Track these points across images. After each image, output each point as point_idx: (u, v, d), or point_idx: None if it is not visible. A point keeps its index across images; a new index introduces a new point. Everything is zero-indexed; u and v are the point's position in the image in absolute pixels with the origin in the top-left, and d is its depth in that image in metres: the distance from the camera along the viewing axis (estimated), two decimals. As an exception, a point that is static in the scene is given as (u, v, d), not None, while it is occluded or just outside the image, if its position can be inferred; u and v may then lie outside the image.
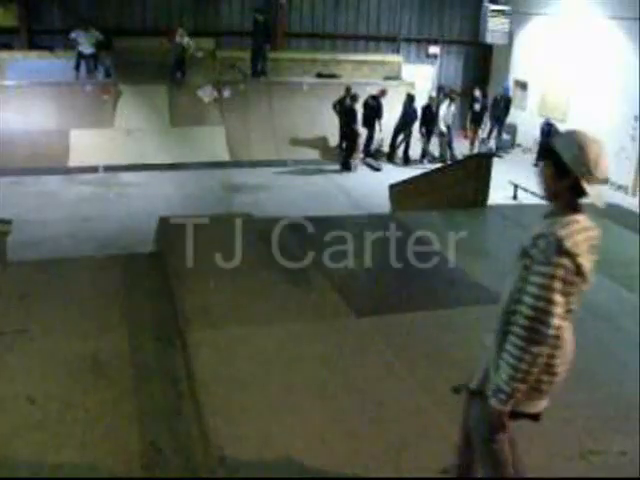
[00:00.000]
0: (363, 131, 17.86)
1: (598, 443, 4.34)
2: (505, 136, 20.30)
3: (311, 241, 7.81)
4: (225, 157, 17.35)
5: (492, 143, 20.07)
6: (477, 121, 19.83)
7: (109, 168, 15.89)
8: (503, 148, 20.04)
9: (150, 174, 15.63)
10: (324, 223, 8.90)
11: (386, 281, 6.89)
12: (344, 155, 17.47)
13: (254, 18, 18.56)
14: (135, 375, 5.00)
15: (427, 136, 18.47)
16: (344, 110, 17.57)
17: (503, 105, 19.78)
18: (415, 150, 18.42)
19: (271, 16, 19.27)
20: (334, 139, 18.22)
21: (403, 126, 18.24)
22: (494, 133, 20.12)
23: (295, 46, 20.63)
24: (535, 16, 20.15)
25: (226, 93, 18.54)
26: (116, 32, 18.35)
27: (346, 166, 17.24)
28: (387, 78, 20.05)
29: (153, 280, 6.73)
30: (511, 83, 20.92)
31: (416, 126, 18.35)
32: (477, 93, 19.88)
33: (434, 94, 19.73)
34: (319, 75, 19.81)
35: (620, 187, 16.79)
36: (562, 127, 18.56)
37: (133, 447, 4.23)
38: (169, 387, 4.89)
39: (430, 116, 18.45)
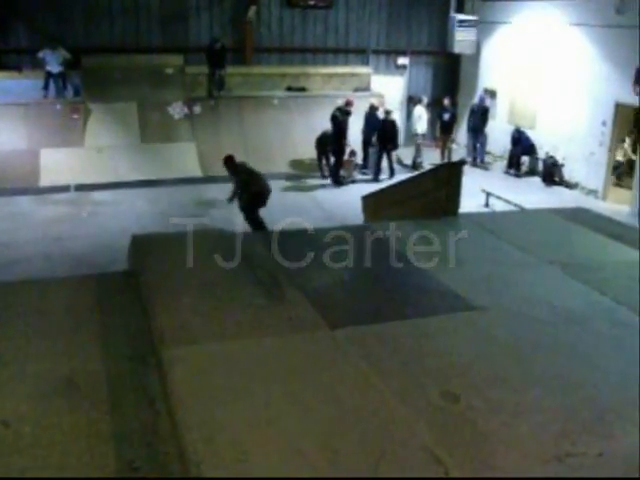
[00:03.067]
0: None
1: (574, 446, 4.37)
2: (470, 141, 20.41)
3: (285, 254, 7.82)
4: (197, 173, 17.35)
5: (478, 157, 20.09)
6: (446, 131, 19.96)
7: (81, 187, 15.81)
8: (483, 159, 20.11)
9: (122, 192, 15.57)
10: (298, 236, 8.91)
11: (360, 292, 6.91)
12: (333, 171, 17.45)
13: (210, 45, 18.47)
14: (110, 395, 4.96)
15: (381, 152, 18.17)
16: (337, 124, 17.57)
17: (480, 115, 19.86)
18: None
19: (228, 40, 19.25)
20: (306, 152, 18.24)
21: (368, 137, 18.25)
22: (477, 145, 20.09)
23: (265, 61, 20.69)
24: (501, 25, 20.39)
25: (196, 109, 18.55)
26: (84, 50, 18.30)
27: (337, 181, 17.27)
28: (357, 90, 20.17)
29: (127, 298, 6.69)
30: (480, 92, 21.11)
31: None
32: (446, 102, 20.04)
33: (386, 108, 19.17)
34: (289, 89, 19.91)
35: (590, 191, 16.99)
36: (532, 135, 18.83)
37: (111, 467, 4.19)
38: (145, 405, 4.85)
39: (389, 131, 18.15)
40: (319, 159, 17.83)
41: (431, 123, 20.42)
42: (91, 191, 15.53)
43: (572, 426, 4.60)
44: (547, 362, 5.51)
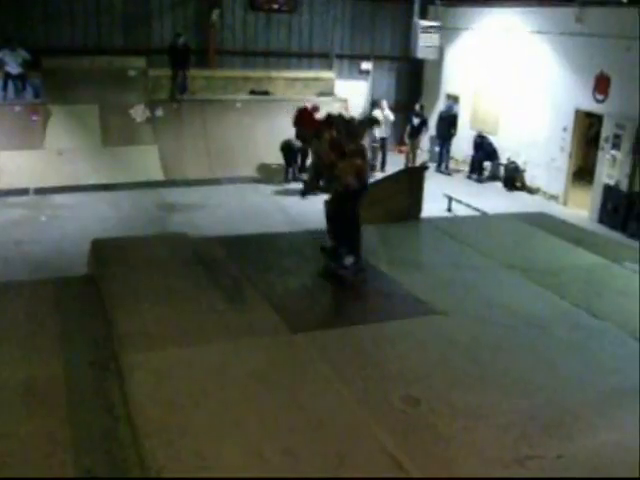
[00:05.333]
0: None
1: (534, 448, 4.42)
2: (436, 148, 20.50)
3: (247, 258, 7.80)
4: (159, 176, 17.17)
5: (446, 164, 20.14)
6: (415, 136, 20.02)
7: (40, 190, 15.57)
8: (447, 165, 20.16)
9: (83, 195, 15.37)
10: (261, 240, 8.90)
11: (322, 297, 6.91)
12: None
13: (173, 42, 18.35)
14: (69, 401, 4.90)
15: None
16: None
17: (448, 123, 19.93)
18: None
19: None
20: (269, 156, 18.20)
21: None
22: (443, 154, 20.15)
23: (228, 64, 20.60)
24: (464, 31, 20.55)
25: (159, 112, 18.40)
26: (44, 51, 18.04)
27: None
28: (320, 94, 20.17)
29: (87, 303, 6.62)
30: (443, 97, 21.25)
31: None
32: (417, 107, 20.12)
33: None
34: (252, 92, 19.83)
35: (551, 196, 17.19)
36: (494, 140, 19.00)
37: (69, 475, 4.14)
38: (104, 412, 4.80)
39: None
40: (287, 164, 17.78)
41: (397, 128, 20.47)
42: (51, 194, 15.30)
43: (532, 429, 4.64)
44: (507, 365, 5.56)
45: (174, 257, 7.73)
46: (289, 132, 17.55)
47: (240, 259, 7.74)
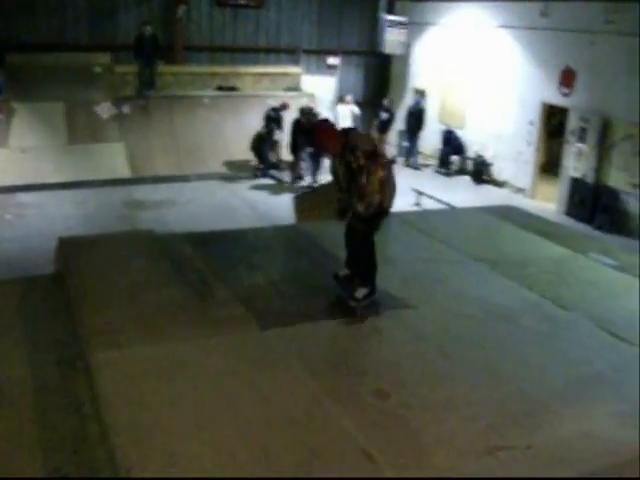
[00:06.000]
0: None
1: (504, 439, 4.45)
2: (405, 143, 20.53)
3: (216, 255, 7.76)
4: (126, 174, 17.01)
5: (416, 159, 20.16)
6: (383, 130, 20.07)
7: (4, 189, 15.33)
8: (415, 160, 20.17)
9: (49, 194, 15.17)
10: (229, 237, 8.86)
11: (291, 292, 6.89)
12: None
13: (140, 32, 18.12)
14: (37, 401, 4.83)
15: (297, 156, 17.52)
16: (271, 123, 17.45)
17: (416, 117, 19.97)
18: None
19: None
20: (238, 152, 18.13)
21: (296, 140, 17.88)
22: (412, 148, 20.16)
23: (195, 60, 20.47)
24: (430, 26, 20.63)
25: (125, 109, 18.23)
26: (7, 48, 17.76)
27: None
28: (288, 90, 20.14)
29: (54, 302, 6.53)
30: (411, 93, 21.30)
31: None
32: (385, 102, 20.15)
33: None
34: (219, 88, 19.73)
35: (519, 190, 17.33)
36: (461, 134, 19.12)
37: (37, 476, 4.08)
38: (73, 411, 4.74)
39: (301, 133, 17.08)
40: (261, 159, 17.68)
41: (365, 123, 20.50)
42: (15, 193, 15.09)
43: (501, 420, 4.68)
44: (476, 357, 5.59)
45: (141, 254, 7.67)
46: (257, 128, 17.55)
47: (208, 255, 7.70)
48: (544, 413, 4.77)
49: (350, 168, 5.97)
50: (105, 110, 17.97)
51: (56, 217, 13.30)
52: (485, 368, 5.43)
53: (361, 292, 6.26)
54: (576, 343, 6.02)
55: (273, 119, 17.70)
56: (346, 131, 6.28)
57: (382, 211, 6.10)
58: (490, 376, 5.29)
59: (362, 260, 6.38)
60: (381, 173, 5.90)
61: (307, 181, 16.95)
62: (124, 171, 17.08)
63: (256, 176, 17.65)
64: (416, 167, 19.72)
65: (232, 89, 19.80)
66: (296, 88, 20.47)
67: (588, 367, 5.57)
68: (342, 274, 6.60)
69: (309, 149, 16.97)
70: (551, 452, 4.32)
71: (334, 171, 6.38)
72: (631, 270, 8.13)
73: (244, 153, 17.91)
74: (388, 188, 6.06)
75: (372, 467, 4.08)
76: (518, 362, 5.57)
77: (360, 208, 5.99)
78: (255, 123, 17.76)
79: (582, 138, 15.33)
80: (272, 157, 17.99)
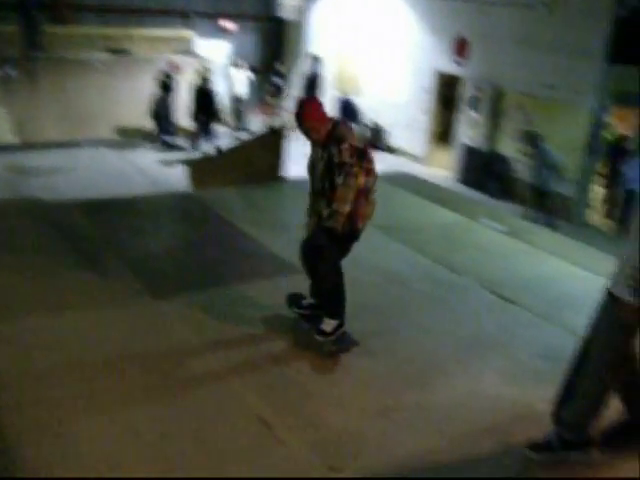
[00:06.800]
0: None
1: (397, 400, 4.52)
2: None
3: (107, 223, 7.55)
4: (11, 139, 16.31)
5: None
6: (277, 95, 19.92)
7: None
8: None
9: None
10: (122, 204, 8.64)
11: (185, 260, 6.78)
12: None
13: None
14: None
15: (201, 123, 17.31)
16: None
17: (313, 83, 19.86)
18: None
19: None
20: (131, 118, 17.66)
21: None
22: None
23: (85, 20, 19.71)
24: (326, -8, 20.55)
25: (9, 71, 17.40)
26: None
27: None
28: (182, 53, 19.67)
29: None
30: (308, 59, 21.20)
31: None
32: (279, 67, 19.97)
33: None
34: (111, 51, 19.07)
35: (414, 157, 17.58)
36: (357, 101, 19.19)
37: None
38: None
39: (206, 100, 17.13)
40: (160, 125, 17.30)
41: (260, 88, 20.29)
42: None
43: (395, 382, 4.74)
44: (372, 322, 5.64)
45: (29, 223, 7.38)
46: (151, 92, 17.11)
47: (99, 223, 7.49)
48: (436, 374, 4.87)
49: (330, 165, 4.83)
50: (-15, 74, 17.12)
51: None
52: (381, 332, 5.49)
53: (329, 325, 5.04)
54: (466, 306, 6.17)
55: (167, 85, 17.30)
56: (336, 121, 5.07)
57: (353, 233, 5.00)
58: (386, 340, 5.36)
59: (327, 286, 5.08)
60: (362, 180, 4.87)
61: (204, 148, 16.67)
62: (9, 137, 16.36)
63: (154, 142, 17.26)
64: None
65: (124, 52, 19.19)
66: (190, 52, 20.04)
67: (477, 329, 5.72)
68: (306, 303, 5.49)
69: (202, 117, 16.80)
70: (442, 411, 4.42)
71: (311, 166, 5.17)
72: (519, 235, 8.40)
73: (138, 119, 17.47)
74: (366, 207, 5.03)
75: (266, 430, 4.07)
76: (414, 326, 5.66)
77: (325, 212, 4.87)
78: (149, 88, 17.31)
79: (475, 107, 15.66)
80: (168, 123, 17.62)
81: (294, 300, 5.56)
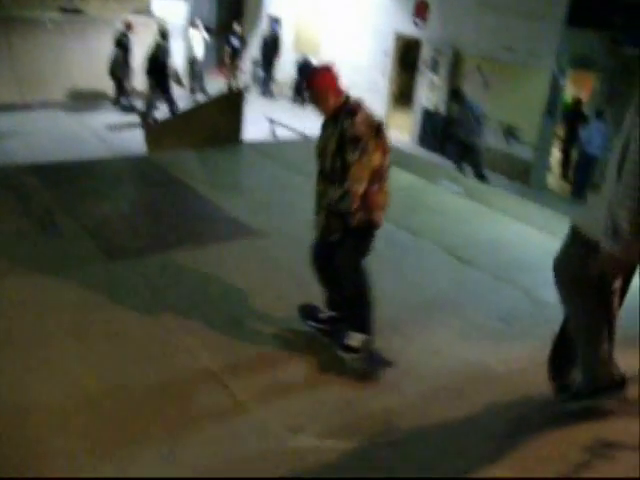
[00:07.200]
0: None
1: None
2: (260, 72, 20.28)
3: (61, 187, 7.41)
4: (-45, 103, 15.85)
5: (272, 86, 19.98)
6: (235, 57, 19.67)
7: None
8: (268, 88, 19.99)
9: None
10: (76, 168, 8.49)
11: (141, 223, 6.70)
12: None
13: None
14: None
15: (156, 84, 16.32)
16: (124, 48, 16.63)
17: (271, 44, 19.66)
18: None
19: None
20: (84, 80, 17.27)
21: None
22: (267, 77, 19.92)
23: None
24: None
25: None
26: None
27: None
28: (137, 13, 19.23)
29: None
30: (266, 19, 20.94)
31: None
32: (236, 28, 19.67)
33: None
34: (62, 10, 18.53)
35: (372, 120, 17.53)
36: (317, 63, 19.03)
37: None
38: None
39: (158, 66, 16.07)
40: (118, 87, 16.92)
41: (217, 50, 19.98)
42: None
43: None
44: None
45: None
46: (106, 54, 16.71)
47: (53, 187, 7.35)
48: (394, 334, 4.87)
49: (342, 142, 4.18)
50: None
51: None
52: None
53: (356, 339, 4.37)
54: (424, 268, 6.19)
55: (124, 44, 16.91)
56: (348, 95, 4.42)
57: (371, 226, 4.32)
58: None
59: (350, 293, 4.45)
60: (378, 159, 4.23)
61: (160, 110, 16.38)
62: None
63: (112, 105, 16.94)
64: (271, 96, 19.55)
65: (77, 11, 18.68)
66: (146, 12, 19.62)
67: (434, 290, 5.74)
68: (324, 316, 4.75)
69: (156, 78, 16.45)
70: (400, 370, 4.42)
71: (322, 146, 4.37)
72: (476, 196, 8.44)
73: (92, 81, 17.11)
74: (380, 195, 4.33)
75: (226, 392, 4.05)
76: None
77: (336, 194, 4.20)
78: (104, 49, 16.90)
79: (434, 70, 15.63)
80: (126, 85, 17.29)
81: (309, 313, 4.83)
